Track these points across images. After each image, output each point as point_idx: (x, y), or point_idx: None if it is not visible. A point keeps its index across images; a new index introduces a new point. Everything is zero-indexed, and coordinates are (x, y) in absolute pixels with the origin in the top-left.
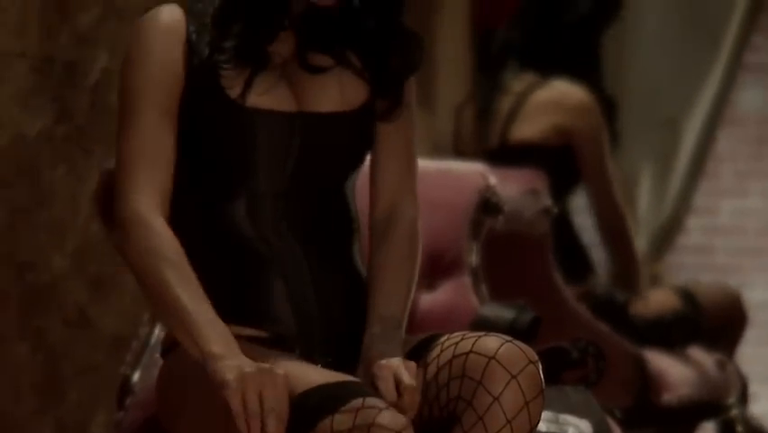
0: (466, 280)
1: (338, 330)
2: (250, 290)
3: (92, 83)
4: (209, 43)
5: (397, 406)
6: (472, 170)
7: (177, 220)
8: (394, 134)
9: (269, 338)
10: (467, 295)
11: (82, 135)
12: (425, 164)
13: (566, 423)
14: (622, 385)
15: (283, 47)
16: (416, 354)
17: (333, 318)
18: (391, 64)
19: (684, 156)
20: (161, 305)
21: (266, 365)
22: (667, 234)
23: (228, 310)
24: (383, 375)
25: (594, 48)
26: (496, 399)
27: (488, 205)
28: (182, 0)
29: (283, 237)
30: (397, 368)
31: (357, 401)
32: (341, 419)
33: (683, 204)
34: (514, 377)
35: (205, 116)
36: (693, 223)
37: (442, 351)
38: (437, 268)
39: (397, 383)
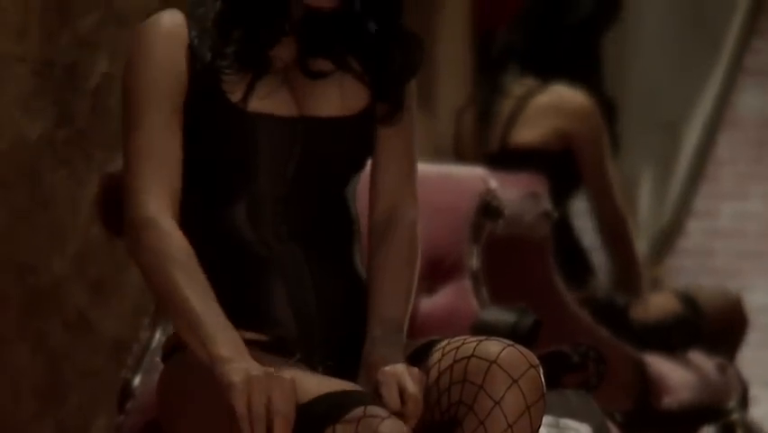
0: (467, 283)
1: (338, 334)
2: (250, 293)
3: (92, 87)
4: (211, 48)
5: (400, 414)
6: (473, 174)
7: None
8: (394, 137)
9: (270, 342)
10: (467, 299)
11: (82, 139)
12: (425, 168)
13: (567, 427)
14: (623, 389)
15: (284, 52)
16: (417, 358)
17: (333, 322)
18: (391, 67)
19: (684, 159)
20: (170, 307)
21: (273, 370)
22: (667, 238)
23: (228, 314)
24: (387, 382)
25: (594, 50)
26: (497, 403)
27: (488, 208)
28: (182, 5)
29: (284, 241)
30: (401, 375)
31: (359, 410)
32: (343, 429)
33: (683, 207)
34: (515, 381)
35: (206, 120)
36: (693, 226)
37: (443, 355)
38: (438, 272)
39: (401, 391)
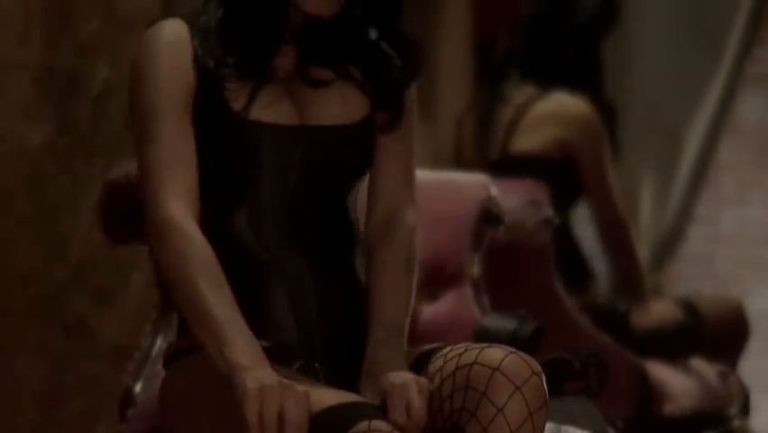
0: (467, 290)
1: (340, 339)
2: (251, 299)
3: (93, 93)
4: (213, 57)
5: (404, 427)
6: (474, 181)
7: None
8: (394, 143)
9: (271, 348)
10: (468, 306)
11: (84, 145)
12: (426, 175)
13: None
14: (624, 396)
15: (285, 61)
16: (419, 365)
17: (334, 328)
18: (391, 75)
19: (686, 165)
20: (191, 311)
21: (289, 382)
22: (668, 244)
23: None
24: (394, 394)
25: (595, 56)
26: (500, 410)
27: (489, 216)
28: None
29: (285, 248)
30: (409, 388)
31: (363, 425)
32: None
33: (685, 213)
34: (518, 388)
35: (208, 128)
36: (694, 232)
37: (445, 362)
38: (439, 279)
39: (407, 405)
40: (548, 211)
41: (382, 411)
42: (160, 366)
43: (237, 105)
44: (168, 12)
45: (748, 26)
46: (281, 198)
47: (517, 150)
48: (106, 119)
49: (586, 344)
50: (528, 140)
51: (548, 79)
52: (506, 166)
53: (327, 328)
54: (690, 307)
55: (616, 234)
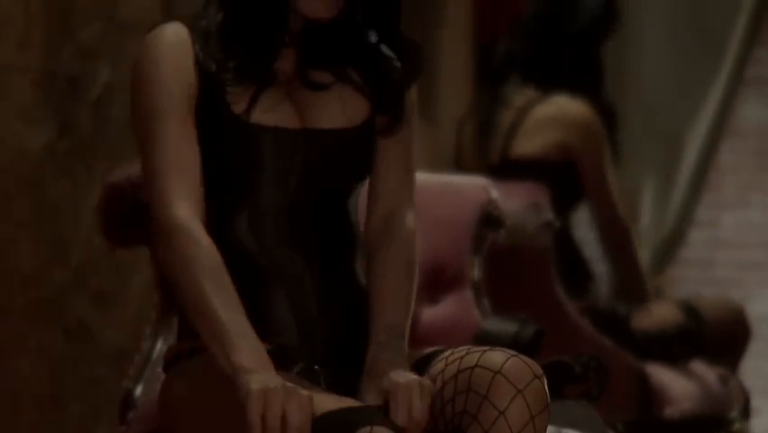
0: (468, 294)
1: (340, 342)
2: (252, 302)
3: (94, 97)
4: (214, 61)
5: (406, 429)
6: (474, 185)
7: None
8: (394, 146)
9: (272, 351)
10: (469, 309)
11: (84, 149)
12: (426, 178)
13: None
14: (624, 399)
15: (286, 64)
16: (420, 368)
17: (335, 331)
18: (391, 78)
19: (686, 169)
20: (196, 313)
21: (292, 385)
22: (669, 248)
23: None
24: (396, 396)
25: (595, 60)
26: (501, 413)
27: (490, 219)
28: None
29: (285, 251)
30: (412, 390)
31: (365, 430)
32: None
33: (685, 217)
34: (519, 392)
35: (210, 131)
36: (695, 235)
37: (447, 365)
38: (439, 282)
39: (409, 405)
40: (549, 214)
41: (384, 412)
42: (160, 369)
43: (238, 108)
44: (168, 15)
45: (749, 28)
46: (282, 201)
47: (518, 153)
48: (107, 122)
49: (586, 347)
50: (529, 143)
51: (548, 82)
52: (506, 169)
53: (328, 331)
54: (690, 310)
55: (616, 238)
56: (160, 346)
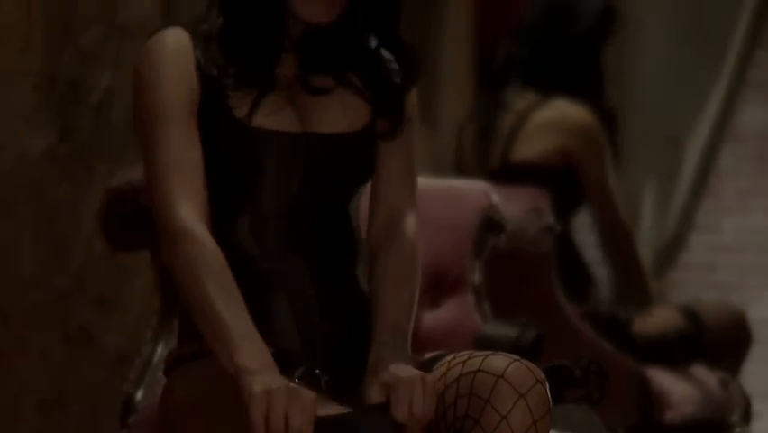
0: (469, 298)
1: (341, 346)
2: (253, 306)
3: (95, 101)
4: (215, 65)
5: (406, 425)
6: (475, 189)
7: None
8: (395, 149)
9: (273, 354)
10: (470, 313)
11: (85, 153)
12: (427, 183)
13: None
14: (625, 403)
15: (287, 69)
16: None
17: (336, 335)
18: (391, 80)
19: (687, 173)
20: (200, 315)
21: (296, 386)
22: (670, 251)
23: None
24: (398, 392)
25: (596, 63)
26: (504, 417)
27: (491, 223)
28: (185, 17)
29: (286, 255)
30: (413, 384)
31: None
32: None
33: (686, 221)
34: (522, 396)
35: (211, 135)
36: (696, 240)
37: (449, 369)
38: (440, 286)
39: (410, 403)
40: (549, 219)
41: (386, 407)
42: (161, 373)
43: (240, 112)
44: (168, 20)
45: (749, 32)
46: (283, 205)
47: (518, 157)
48: (108, 126)
49: (587, 351)
50: (529, 148)
51: (549, 86)
52: (507, 173)
53: (329, 335)
54: (691, 314)
55: (618, 241)
56: (160, 351)
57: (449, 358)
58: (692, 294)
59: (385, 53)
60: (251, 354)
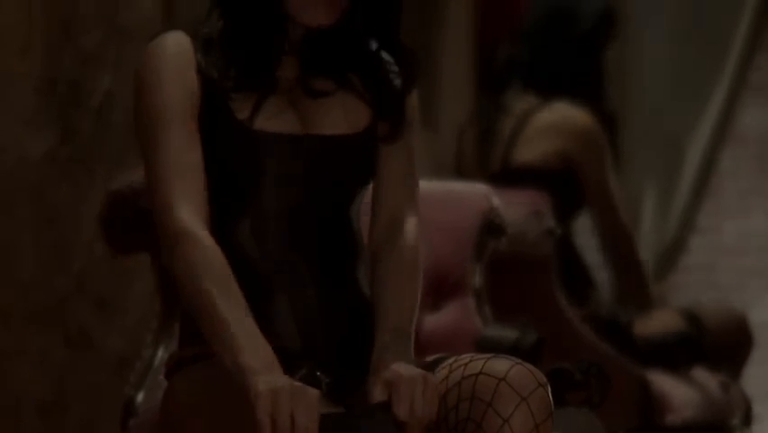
0: (470, 301)
1: (342, 348)
2: (254, 308)
3: (96, 104)
4: (217, 68)
5: (407, 424)
6: (476, 192)
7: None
8: (396, 152)
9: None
10: (470, 316)
11: (86, 155)
12: (428, 186)
13: None
14: (626, 407)
15: (288, 71)
16: None
17: (337, 336)
18: (392, 83)
19: (687, 175)
20: (203, 317)
21: (301, 385)
22: (670, 254)
23: None
24: (399, 390)
25: (597, 66)
26: (506, 421)
27: (491, 226)
28: (185, 20)
29: (287, 257)
30: (414, 383)
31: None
32: None
33: (687, 223)
34: (524, 399)
35: (213, 137)
36: (696, 242)
37: (450, 372)
38: (441, 289)
39: (411, 402)
40: (550, 222)
41: (387, 406)
42: (161, 376)
43: (241, 114)
44: (169, 23)
45: (750, 34)
46: (284, 207)
47: (519, 161)
48: (108, 129)
49: (588, 354)
50: (529, 151)
51: (549, 89)
52: (507, 177)
53: (330, 337)
54: (692, 317)
55: (618, 245)
56: (161, 353)
57: (450, 361)
58: (693, 297)
59: (385, 56)
60: (255, 354)
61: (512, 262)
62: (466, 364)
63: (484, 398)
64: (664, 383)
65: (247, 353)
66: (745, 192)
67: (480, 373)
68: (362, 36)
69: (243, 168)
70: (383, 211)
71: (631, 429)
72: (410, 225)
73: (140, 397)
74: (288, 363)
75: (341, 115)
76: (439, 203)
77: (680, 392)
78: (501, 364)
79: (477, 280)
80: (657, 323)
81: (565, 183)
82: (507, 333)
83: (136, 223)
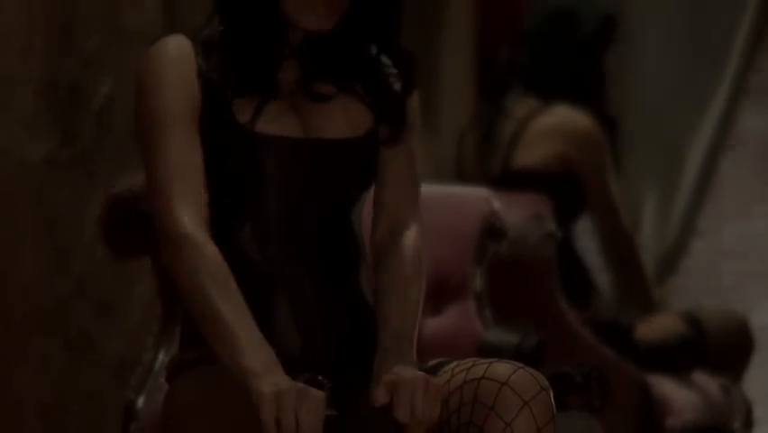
0: (470, 304)
1: (343, 351)
2: (254, 311)
3: (96, 107)
4: (217, 72)
5: (408, 426)
6: (477, 195)
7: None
8: (397, 156)
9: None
10: (471, 320)
11: (86, 159)
12: (429, 189)
13: None
14: (626, 410)
15: (289, 75)
16: None
17: (338, 340)
18: (392, 86)
19: (688, 179)
20: (204, 320)
21: (305, 386)
22: (671, 257)
23: None
24: (401, 389)
25: (597, 69)
26: (508, 424)
27: (492, 230)
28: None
29: (288, 260)
30: (416, 384)
31: None
32: None
33: (687, 227)
34: (526, 403)
35: (214, 141)
36: (697, 246)
37: (452, 376)
38: (442, 293)
39: (412, 406)
40: (551, 225)
41: (389, 408)
42: (162, 380)
43: (243, 118)
44: (170, 26)
45: (750, 38)
46: (285, 210)
47: (519, 164)
48: (109, 132)
49: (588, 357)
50: (530, 154)
51: (550, 92)
52: (508, 180)
53: (331, 340)
54: (693, 320)
55: (619, 248)
56: (162, 357)
57: (452, 365)
58: (693, 300)
59: (385, 59)
60: (257, 357)
61: (513, 265)
62: (468, 369)
63: (486, 402)
64: (665, 387)
65: (249, 355)
66: (746, 195)
67: (483, 377)
68: (362, 40)
69: (245, 171)
70: (385, 215)
71: None
72: (412, 228)
73: (141, 400)
74: (290, 366)
75: (342, 119)
76: (440, 207)
77: (680, 396)
78: (504, 369)
79: (478, 283)
80: (658, 326)
81: (566, 186)
82: (509, 337)
83: (137, 226)
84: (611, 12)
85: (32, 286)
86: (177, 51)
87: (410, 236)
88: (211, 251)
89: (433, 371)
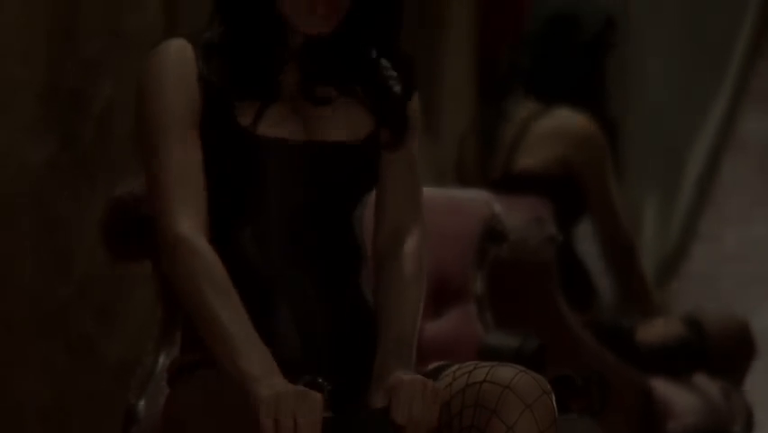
0: (471, 308)
1: (344, 354)
2: (255, 315)
3: (97, 111)
4: (218, 76)
5: (405, 428)
6: (477, 199)
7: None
8: (399, 159)
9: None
10: (472, 323)
11: (87, 163)
12: (429, 192)
13: None
14: (627, 413)
15: (290, 79)
16: None
17: (339, 343)
18: (393, 90)
19: (689, 183)
20: (203, 324)
21: (303, 389)
22: (672, 261)
23: None
24: (399, 392)
25: (598, 73)
26: (510, 428)
27: (492, 233)
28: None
29: (289, 263)
30: (415, 392)
31: None
32: None
33: (688, 231)
34: (528, 407)
35: (216, 144)
36: (698, 250)
37: (454, 379)
38: (442, 296)
39: (410, 405)
40: (552, 228)
41: (387, 411)
42: (163, 383)
43: (244, 121)
44: (171, 30)
45: (751, 42)
46: (286, 213)
47: (520, 167)
48: (110, 136)
49: (589, 361)
50: (530, 157)
51: (551, 96)
52: (508, 183)
53: (331, 343)
54: (694, 324)
55: (620, 251)
56: (162, 360)
57: (454, 368)
58: (694, 304)
59: (385, 63)
60: (256, 360)
61: (513, 268)
62: (470, 372)
63: (488, 405)
64: (666, 390)
65: (247, 358)
66: (747, 199)
67: (485, 380)
68: (363, 43)
69: (245, 174)
70: (386, 218)
71: None
72: (414, 232)
73: (141, 404)
74: (290, 368)
75: (343, 123)
76: (440, 210)
77: (681, 399)
78: (506, 372)
79: (478, 286)
80: (659, 330)
81: (566, 190)
82: (509, 340)
83: (137, 230)
84: (612, 15)
85: (32, 289)
86: (177, 55)
87: (411, 240)
88: (210, 255)
89: (434, 374)
